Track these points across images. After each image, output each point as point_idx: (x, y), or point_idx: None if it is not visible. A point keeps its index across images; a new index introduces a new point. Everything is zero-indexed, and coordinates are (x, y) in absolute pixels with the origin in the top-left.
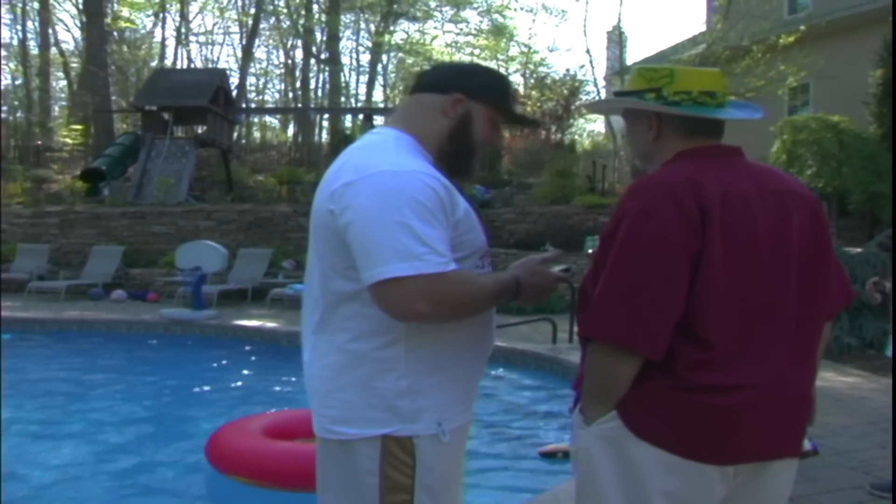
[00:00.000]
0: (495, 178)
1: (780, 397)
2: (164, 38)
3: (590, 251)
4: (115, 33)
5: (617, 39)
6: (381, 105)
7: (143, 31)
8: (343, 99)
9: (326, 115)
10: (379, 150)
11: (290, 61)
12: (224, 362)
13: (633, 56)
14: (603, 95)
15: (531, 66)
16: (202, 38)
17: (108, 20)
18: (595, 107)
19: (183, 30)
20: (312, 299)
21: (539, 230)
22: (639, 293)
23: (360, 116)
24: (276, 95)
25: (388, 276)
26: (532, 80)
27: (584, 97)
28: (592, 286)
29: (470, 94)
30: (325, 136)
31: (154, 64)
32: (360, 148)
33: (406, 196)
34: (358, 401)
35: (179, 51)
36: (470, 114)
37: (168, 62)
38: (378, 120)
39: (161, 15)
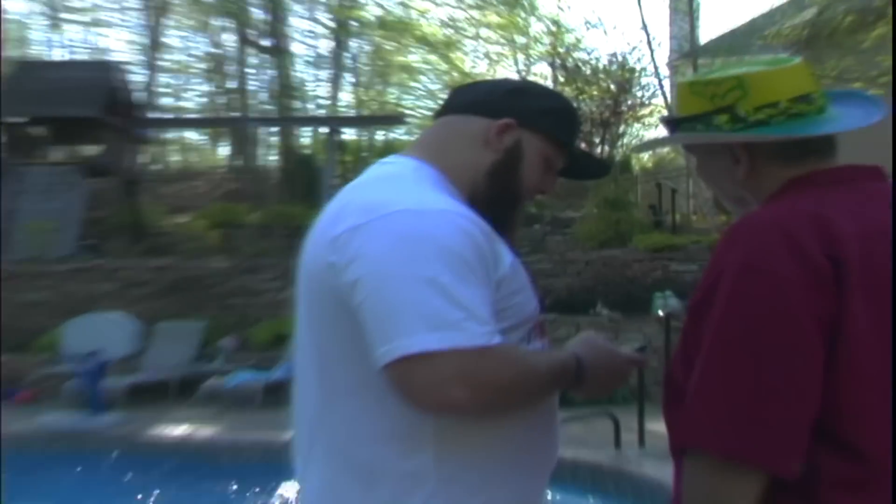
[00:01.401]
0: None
1: None
2: (26, 17)
3: (660, 313)
4: None
5: (686, 9)
6: (352, 113)
7: None
8: (297, 104)
9: (274, 129)
10: (395, 184)
11: (217, 51)
12: (135, 491)
13: (708, 31)
14: (668, 89)
15: (562, 51)
16: (84, 16)
17: None
18: (649, 147)
19: (55, 6)
20: (305, 390)
21: (585, 285)
22: (755, 384)
23: (324, 129)
24: (201, 101)
25: (413, 350)
26: (563, 72)
27: (639, 93)
28: (683, 373)
29: (524, 121)
30: (273, 157)
31: (13, 55)
32: (368, 182)
33: (435, 243)
34: None
35: (53, 37)
36: (520, 147)
37: (37, 52)
38: (348, 133)
39: None
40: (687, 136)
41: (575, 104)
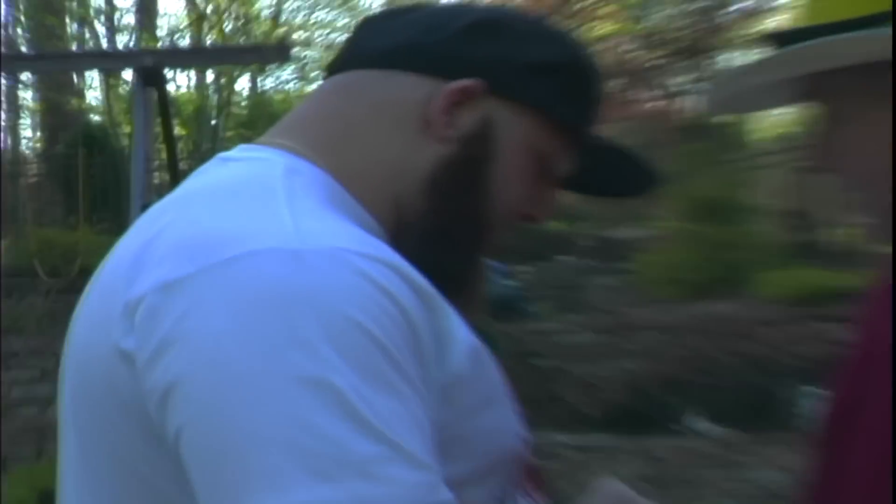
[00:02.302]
0: (533, 233)
1: None
2: None
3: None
4: None
5: None
6: (185, 42)
7: None
8: (76, 30)
9: (31, 74)
10: (249, 201)
11: None
12: None
13: None
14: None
15: None
16: None
17: None
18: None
19: None
20: None
21: (664, 375)
22: None
23: (129, 74)
24: None
25: None
26: None
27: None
28: None
29: (498, 85)
30: (37, 134)
31: None
32: (198, 194)
33: (326, 313)
34: None
35: None
36: (491, 133)
37: None
38: (183, 82)
39: None
40: (833, 48)
41: (618, 32)
